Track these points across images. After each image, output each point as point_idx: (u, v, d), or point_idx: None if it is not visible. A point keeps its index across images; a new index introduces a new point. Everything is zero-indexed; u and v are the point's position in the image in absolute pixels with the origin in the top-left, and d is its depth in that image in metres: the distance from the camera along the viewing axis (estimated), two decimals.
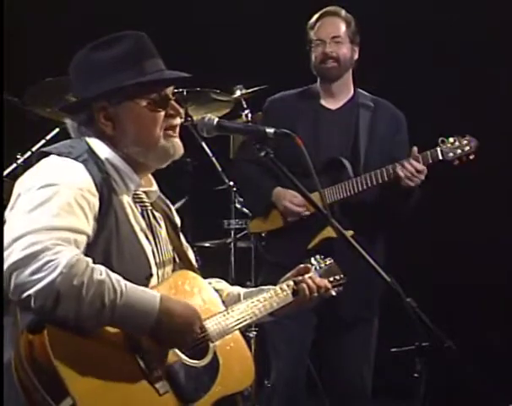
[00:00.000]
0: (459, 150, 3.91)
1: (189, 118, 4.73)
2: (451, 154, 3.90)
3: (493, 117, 5.42)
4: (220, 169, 4.88)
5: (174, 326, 2.35)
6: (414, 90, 5.37)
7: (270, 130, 2.57)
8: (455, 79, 5.49)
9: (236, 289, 2.84)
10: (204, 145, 4.86)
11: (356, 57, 4.11)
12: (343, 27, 4.07)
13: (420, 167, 3.86)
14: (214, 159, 4.91)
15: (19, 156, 4.46)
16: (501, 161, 5.42)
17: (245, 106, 5.12)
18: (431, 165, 3.90)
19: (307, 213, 3.93)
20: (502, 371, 4.94)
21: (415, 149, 3.90)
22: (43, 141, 4.51)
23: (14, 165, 4.44)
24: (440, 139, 3.91)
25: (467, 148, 3.91)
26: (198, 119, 2.97)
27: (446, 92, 5.48)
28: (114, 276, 2.28)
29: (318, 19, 4.11)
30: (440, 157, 3.90)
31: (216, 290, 2.72)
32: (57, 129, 4.54)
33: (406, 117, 4.13)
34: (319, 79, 4.14)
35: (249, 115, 5.10)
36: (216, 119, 2.62)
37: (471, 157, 3.92)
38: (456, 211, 5.53)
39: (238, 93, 5.11)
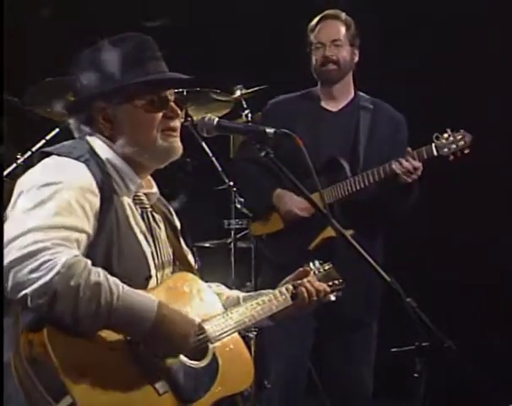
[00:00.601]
0: (453, 146, 3.89)
1: (189, 118, 4.72)
2: (446, 149, 3.89)
3: (493, 117, 5.42)
4: (220, 169, 4.88)
5: (170, 333, 2.33)
6: (413, 90, 5.36)
7: (270, 130, 2.58)
8: (455, 79, 5.49)
9: (236, 293, 2.84)
10: (204, 145, 4.85)
11: (356, 59, 4.12)
12: (343, 30, 4.07)
13: (416, 163, 3.86)
14: (214, 159, 4.90)
15: (19, 156, 4.46)
16: (501, 160, 5.41)
17: (245, 106, 5.11)
18: (428, 163, 3.89)
19: (307, 215, 3.93)
20: (502, 371, 4.94)
21: (409, 149, 3.90)
22: (43, 141, 4.50)
23: (14, 165, 4.43)
24: (435, 135, 3.90)
25: (462, 143, 3.90)
26: (198, 119, 2.98)
27: (446, 92, 5.48)
28: (112, 279, 2.27)
29: (318, 22, 4.11)
30: (435, 153, 3.89)
31: (216, 294, 2.71)
32: (57, 129, 4.53)
33: (406, 117, 4.12)
34: (320, 81, 4.14)
35: (249, 115, 5.10)
36: (216, 119, 2.62)
37: (466, 152, 3.92)
38: (456, 211, 5.53)
39: (238, 93, 5.10)
